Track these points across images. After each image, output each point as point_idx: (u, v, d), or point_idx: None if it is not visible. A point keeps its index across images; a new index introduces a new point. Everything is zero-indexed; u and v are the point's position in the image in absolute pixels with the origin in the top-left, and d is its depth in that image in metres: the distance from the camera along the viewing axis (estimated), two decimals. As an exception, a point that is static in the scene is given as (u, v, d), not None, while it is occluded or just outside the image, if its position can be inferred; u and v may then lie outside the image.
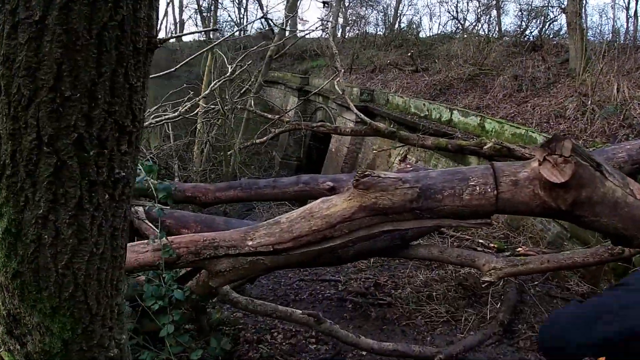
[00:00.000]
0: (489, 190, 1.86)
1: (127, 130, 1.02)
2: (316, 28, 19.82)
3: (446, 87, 12.80)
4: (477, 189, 1.87)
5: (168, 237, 2.73)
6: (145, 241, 2.72)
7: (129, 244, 2.91)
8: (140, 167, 3.03)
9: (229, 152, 11.04)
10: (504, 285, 4.72)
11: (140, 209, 3.90)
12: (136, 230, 3.80)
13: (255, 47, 8.32)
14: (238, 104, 10.58)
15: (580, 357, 1.10)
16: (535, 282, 5.04)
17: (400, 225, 2.01)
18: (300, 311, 3.34)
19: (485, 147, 5.57)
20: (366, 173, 1.97)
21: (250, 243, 2.42)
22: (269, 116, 10.90)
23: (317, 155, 18.53)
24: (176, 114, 5.73)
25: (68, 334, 1.10)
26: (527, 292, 4.80)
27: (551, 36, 14.58)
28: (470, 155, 7.22)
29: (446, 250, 4.10)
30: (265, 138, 10.81)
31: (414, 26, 23.15)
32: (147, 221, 3.78)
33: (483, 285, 4.39)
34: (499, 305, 4.40)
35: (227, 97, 9.62)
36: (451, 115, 10.59)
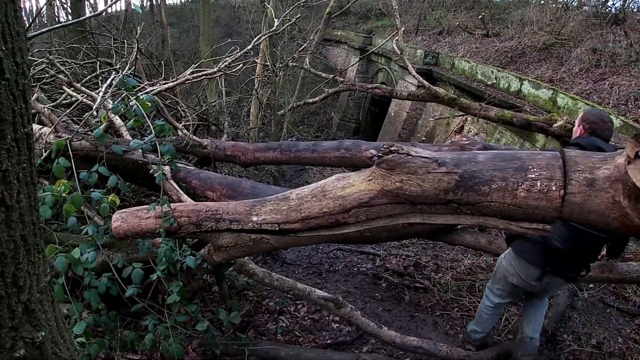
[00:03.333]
0: (554, 188, 1.36)
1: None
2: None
3: (518, 55, 11.70)
4: (538, 184, 1.38)
5: (172, 204, 2.47)
6: (147, 207, 2.46)
7: (132, 209, 2.71)
8: (151, 126, 2.75)
9: (279, 112, 10.72)
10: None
11: (167, 168, 3.70)
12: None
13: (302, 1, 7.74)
14: (290, 61, 10.11)
15: None
16: (591, 285, 4.42)
17: (431, 218, 1.56)
18: (320, 292, 3.02)
19: (555, 125, 4.86)
20: (392, 148, 1.52)
21: (254, 219, 2.08)
22: (323, 75, 10.35)
23: (376, 118, 17.94)
24: (214, 69, 5.39)
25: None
26: (579, 296, 4.21)
27: (635, 10, 12.81)
28: (538, 132, 6.42)
29: (496, 240, 3.59)
30: (317, 98, 10.33)
31: (487, -13, 21.31)
32: (172, 181, 3.55)
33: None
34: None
35: (279, 53, 9.19)
36: (521, 86, 9.67)
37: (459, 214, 1.51)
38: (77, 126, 3.97)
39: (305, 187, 1.93)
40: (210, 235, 2.33)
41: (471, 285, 4.40)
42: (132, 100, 2.84)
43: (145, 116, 2.81)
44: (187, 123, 8.29)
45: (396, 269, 4.98)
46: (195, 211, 2.34)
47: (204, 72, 5.47)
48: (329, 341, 3.59)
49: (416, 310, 4.06)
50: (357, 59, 16.43)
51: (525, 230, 1.46)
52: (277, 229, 1.98)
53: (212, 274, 3.42)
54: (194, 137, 5.66)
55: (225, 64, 5.47)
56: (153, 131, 2.70)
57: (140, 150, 3.71)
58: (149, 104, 2.91)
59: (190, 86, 11.16)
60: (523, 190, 1.38)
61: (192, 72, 5.51)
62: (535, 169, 1.39)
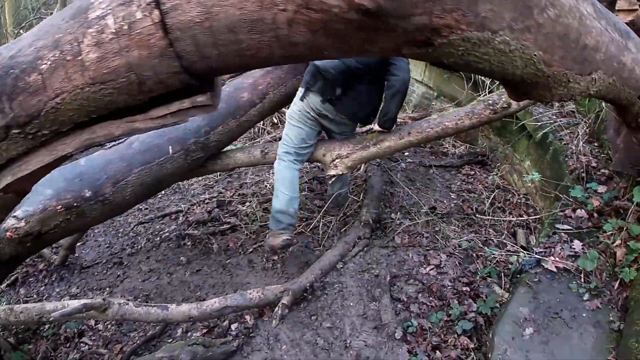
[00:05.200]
0: (139, 16, 0.71)
1: None
2: None
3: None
4: (110, 23, 0.72)
5: None
6: None
7: None
8: None
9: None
10: (366, 169, 3.85)
11: None
12: None
13: None
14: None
15: None
16: (406, 154, 4.26)
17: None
18: (73, 303, 2.18)
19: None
20: None
21: None
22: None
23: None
24: None
25: None
26: (395, 169, 3.98)
27: None
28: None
29: (273, 148, 3.10)
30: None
31: None
32: None
33: (331, 181, 3.36)
34: (361, 197, 3.50)
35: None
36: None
37: (36, 144, 0.80)
38: None
39: None
40: None
41: (278, 201, 3.95)
42: None
43: None
44: None
45: (200, 218, 4.32)
46: None
47: None
48: (138, 342, 2.89)
49: (227, 256, 3.50)
50: None
51: (159, 123, 0.82)
52: None
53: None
54: None
55: None
56: None
57: None
58: None
59: None
60: (92, 48, 0.72)
61: None
62: (98, 2, 0.73)
